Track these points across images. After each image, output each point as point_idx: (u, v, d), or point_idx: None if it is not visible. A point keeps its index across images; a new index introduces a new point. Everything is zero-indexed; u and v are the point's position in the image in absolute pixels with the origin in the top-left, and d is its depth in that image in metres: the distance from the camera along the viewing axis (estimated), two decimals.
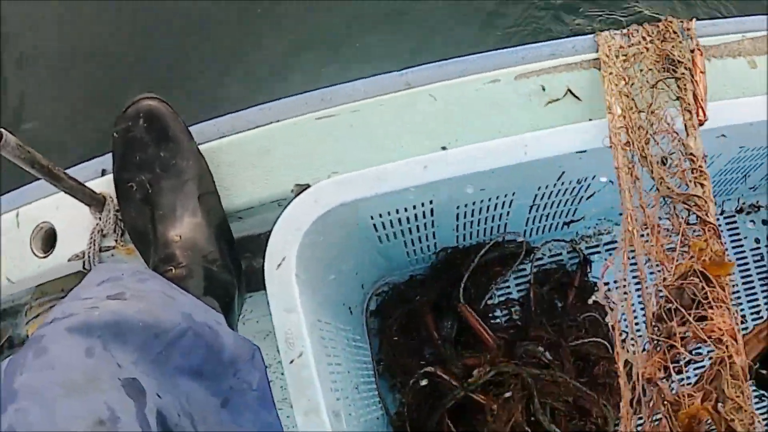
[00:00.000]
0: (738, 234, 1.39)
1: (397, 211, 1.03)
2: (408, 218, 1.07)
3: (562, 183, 1.08)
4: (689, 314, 0.76)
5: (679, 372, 0.76)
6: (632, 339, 0.78)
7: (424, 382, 1.22)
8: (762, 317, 1.36)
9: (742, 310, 1.36)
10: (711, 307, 0.76)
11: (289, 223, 0.91)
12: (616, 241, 1.35)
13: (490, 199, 1.09)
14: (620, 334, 0.81)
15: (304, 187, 0.96)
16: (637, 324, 0.80)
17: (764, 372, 1.03)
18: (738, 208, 1.39)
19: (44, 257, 1.04)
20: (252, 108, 1.04)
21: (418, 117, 1.00)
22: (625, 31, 0.98)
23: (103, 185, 1.01)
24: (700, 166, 0.87)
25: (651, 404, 0.75)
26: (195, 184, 0.96)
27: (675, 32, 0.95)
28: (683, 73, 0.92)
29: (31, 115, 2.19)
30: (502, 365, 1.17)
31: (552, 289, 1.32)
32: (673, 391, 0.75)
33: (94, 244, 1.00)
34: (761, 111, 0.97)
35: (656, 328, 0.78)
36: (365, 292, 1.32)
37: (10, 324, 1.23)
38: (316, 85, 1.03)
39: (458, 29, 2.15)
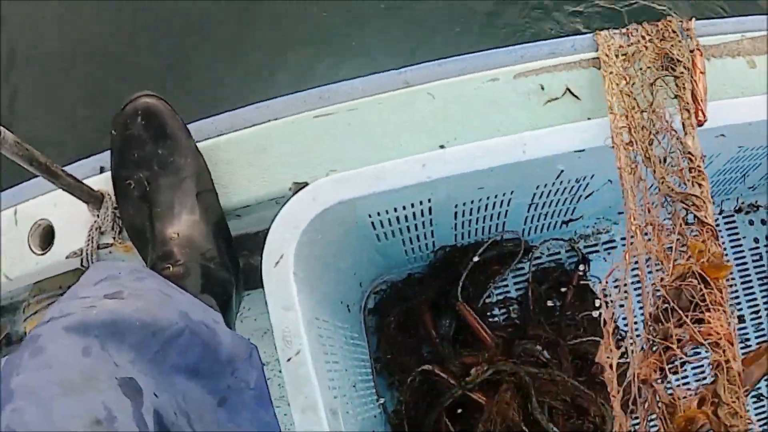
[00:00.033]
0: (737, 233, 1.39)
1: (396, 210, 1.03)
2: (406, 216, 1.07)
3: (561, 182, 1.08)
4: (686, 316, 0.76)
5: (675, 373, 0.76)
6: (631, 339, 0.78)
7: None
8: (760, 316, 1.36)
9: (740, 309, 1.36)
10: (708, 310, 0.75)
11: (287, 221, 0.91)
12: (614, 241, 1.35)
13: (488, 198, 1.09)
14: (613, 331, 0.81)
15: (302, 185, 0.96)
16: (636, 323, 0.80)
17: None
18: (737, 208, 1.39)
19: (42, 254, 1.04)
20: (250, 106, 1.04)
21: (416, 115, 1.00)
22: (624, 30, 0.98)
23: (102, 182, 1.01)
24: (698, 166, 0.86)
25: (646, 405, 0.75)
26: (193, 182, 0.96)
27: (674, 31, 0.95)
28: (682, 72, 0.92)
29: (30, 115, 2.20)
30: (500, 364, 1.18)
31: (550, 288, 1.32)
32: (670, 393, 0.75)
33: (92, 242, 1.00)
34: (760, 111, 0.97)
35: (653, 329, 0.78)
36: (363, 290, 1.32)
37: (8, 321, 1.23)
38: (315, 85, 1.03)
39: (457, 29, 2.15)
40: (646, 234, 0.83)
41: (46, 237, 1.05)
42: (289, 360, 0.86)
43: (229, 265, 0.98)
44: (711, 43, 1.01)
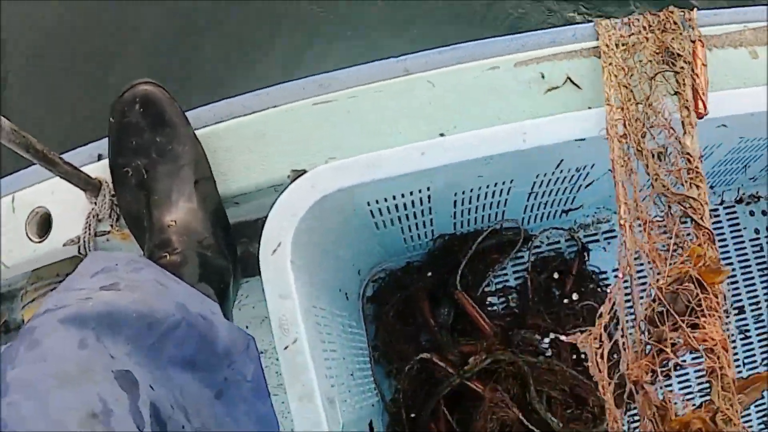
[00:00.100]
0: (738, 224, 1.38)
1: (395, 198, 1.03)
2: (405, 204, 1.06)
3: (561, 171, 1.07)
4: (682, 320, 0.75)
5: (667, 376, 0.75)
6: (623, 336, 0.78)
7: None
8: (760, 307, 1.36)
9: (740, 301, 1.36)
10: (704, 316, 0.75)
11: (285, 209, 0.91)
12: (614, 230, 1.35)
13: (488, 186, 1.09)
14: (607, 321, 0.80)
15: (301, 173, 0.95)
16: (628, 322, 0.79)
17: None
18: (738, 199, 1.39)
19: (40, 242, 1.03)
20: (249, 93, 1.03)
21: (416, 103, 0.99)
22: (626, 20, 0.97)
23: (99, 170, 1.00)
24: (696, 167, 0.85)
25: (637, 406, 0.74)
26: (191, 170, 0.96)
27: (676, 23, 0.94)
28: (682, 67, 0.91)
29: (31, 114, 2.19)
30: (498, 353, 1.18)
31: (549, 277, 1.32)
32: (661, 396, 0.75)
33: (90, 229, 1.00)
34: (762, 101, 0.96)
35: (647, 331, 0.78)
36: (362, 278, 1.32)
37: (6, 308, 1.23)
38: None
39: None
40: (639, 227, 0.83)
41: (44, 224, 1.04)
42: (286, 348, 0.86)
43: (227, 253, 0.98)
44: (713, 34, 1.01)
